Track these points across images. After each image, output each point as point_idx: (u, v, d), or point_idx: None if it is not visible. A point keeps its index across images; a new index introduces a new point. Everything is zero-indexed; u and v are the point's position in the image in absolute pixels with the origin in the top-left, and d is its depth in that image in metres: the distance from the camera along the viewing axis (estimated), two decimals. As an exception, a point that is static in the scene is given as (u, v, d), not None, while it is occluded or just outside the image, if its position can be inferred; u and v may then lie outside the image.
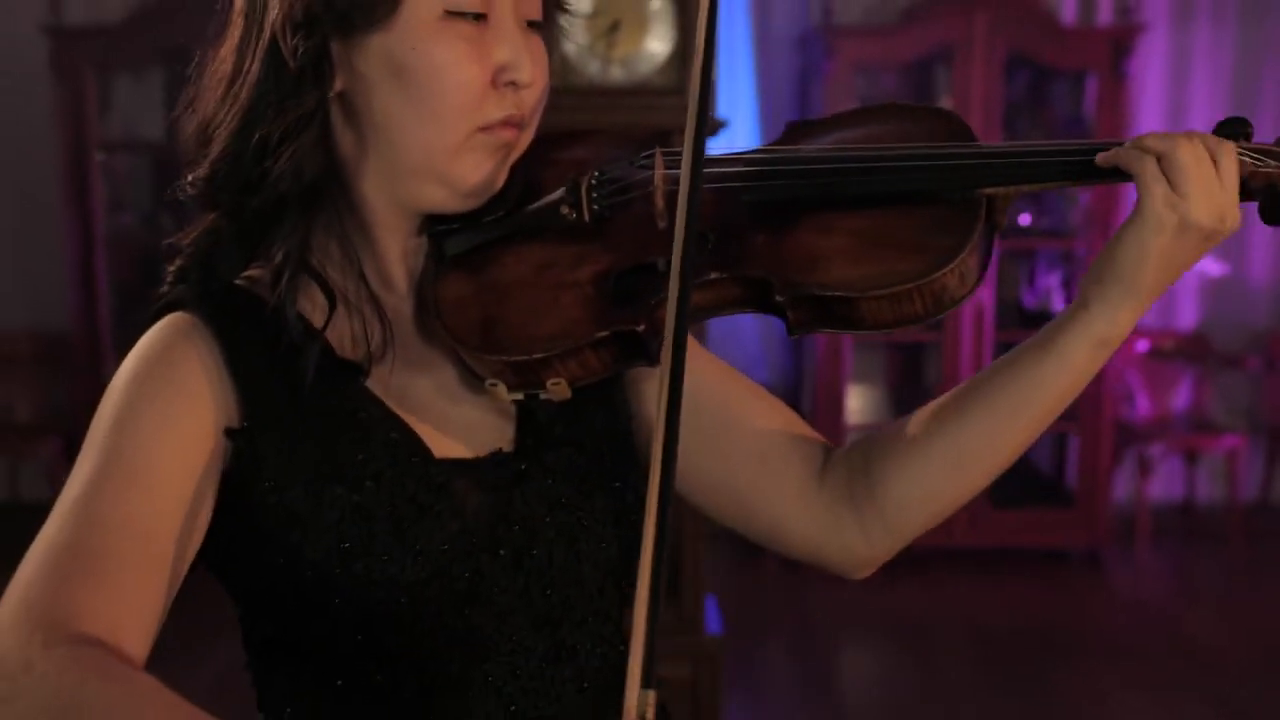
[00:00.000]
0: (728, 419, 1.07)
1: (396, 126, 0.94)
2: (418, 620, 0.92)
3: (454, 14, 0.92)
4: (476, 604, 0.94)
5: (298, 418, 0.94)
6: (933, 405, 1.02)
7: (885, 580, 4.85)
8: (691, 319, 0.86)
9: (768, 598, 4.63)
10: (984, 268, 0.95)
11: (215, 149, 0.95)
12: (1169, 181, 0.90)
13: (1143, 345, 5.15)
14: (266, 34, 0.93)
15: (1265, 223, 0.97)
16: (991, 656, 4.07)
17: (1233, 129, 0.97)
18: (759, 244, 0.95)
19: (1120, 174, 0.93)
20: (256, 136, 0.93)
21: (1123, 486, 5.15)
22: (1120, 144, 0.94)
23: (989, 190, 0.94)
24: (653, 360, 0.94)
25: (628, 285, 0.95)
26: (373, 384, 0.96)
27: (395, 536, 0.92)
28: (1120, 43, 4.49)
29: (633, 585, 0.86)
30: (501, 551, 0.95)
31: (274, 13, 0.92)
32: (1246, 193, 0.94)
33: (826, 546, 1.07)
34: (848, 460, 1.06)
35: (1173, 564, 4.97)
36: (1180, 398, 5.22)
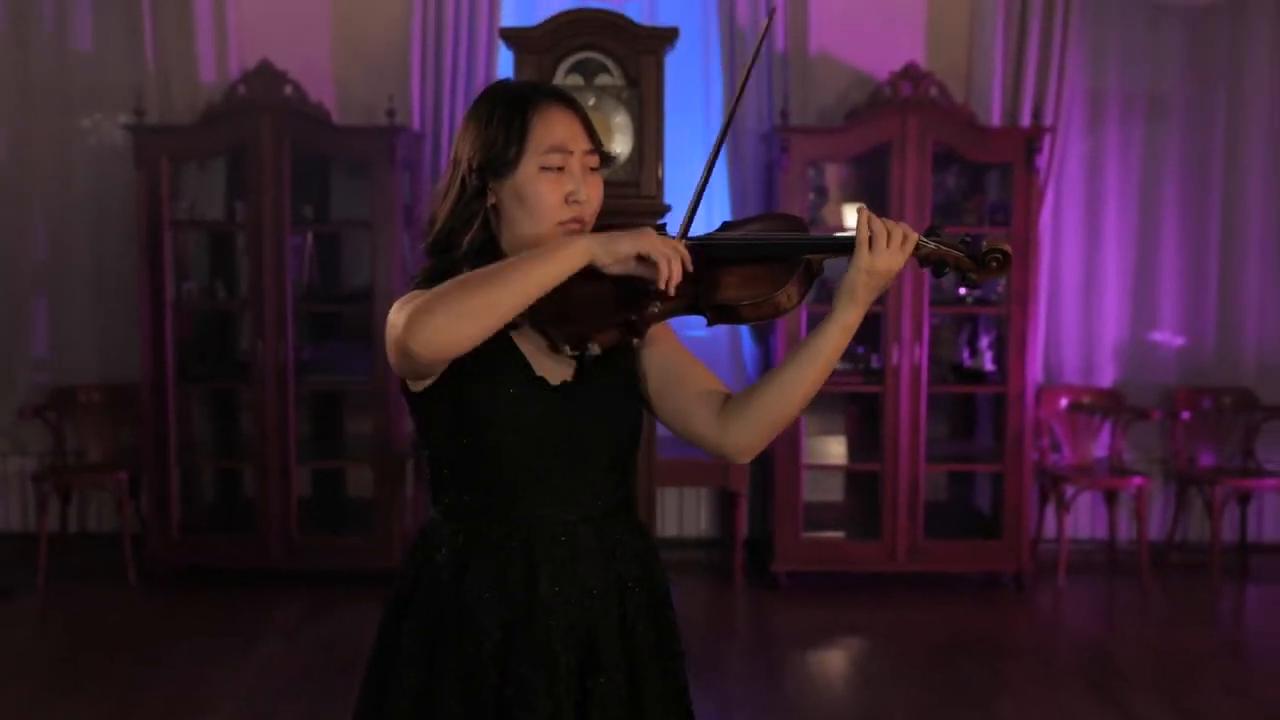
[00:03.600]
0: (682, 375, 1.84)
1: (518, 223, 1.74)
2: (527, 449, 1.75)
3: (546, 169, 1.71)
4: (553, 443, 1.75)
5: (479, 348, 1.64)
6: (773, 369, 1.82)
7: (840, 599, 5.62)
8: (663, 317, 1.73)
9: (735, 614, 5.20)
10: (804, 294, 1.74)
11: (435, 228, 1.77)
12: (872, 250, 1.67)
13: (1064, 401, 5.76)
14: (459, 176, 1.75)
15: (934, 277, 1.75)
16: (926, 664, 4.55)
17: (931, 227, 1.74)
18: (694, 279, 1.68)
19: (851, 244, 1.67)
20: (454, 223, 1.75)
21: (1051, 523, 5.75)
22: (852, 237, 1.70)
23: (806, 255, 1.72)
24: (640, 336, 1.75)
25: (632, 296, 1.69)
26: (515, 338, 1.74)
27: (517, 406, 1.73)
28: (1031, 142, 5.20)
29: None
30: (566, 423, 1.75)
31: (463, 165, 1.74)
32: (928, 263, 1.72)
33: (725, 442, 1.81)
34: (734, 400, 1.81)
35: (1087, 590, 5.49)
36: (1099, 446, 5.77)
